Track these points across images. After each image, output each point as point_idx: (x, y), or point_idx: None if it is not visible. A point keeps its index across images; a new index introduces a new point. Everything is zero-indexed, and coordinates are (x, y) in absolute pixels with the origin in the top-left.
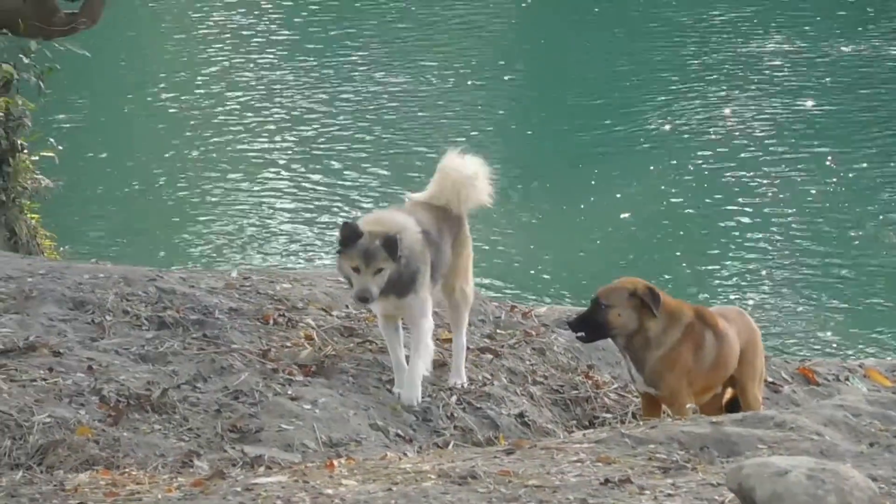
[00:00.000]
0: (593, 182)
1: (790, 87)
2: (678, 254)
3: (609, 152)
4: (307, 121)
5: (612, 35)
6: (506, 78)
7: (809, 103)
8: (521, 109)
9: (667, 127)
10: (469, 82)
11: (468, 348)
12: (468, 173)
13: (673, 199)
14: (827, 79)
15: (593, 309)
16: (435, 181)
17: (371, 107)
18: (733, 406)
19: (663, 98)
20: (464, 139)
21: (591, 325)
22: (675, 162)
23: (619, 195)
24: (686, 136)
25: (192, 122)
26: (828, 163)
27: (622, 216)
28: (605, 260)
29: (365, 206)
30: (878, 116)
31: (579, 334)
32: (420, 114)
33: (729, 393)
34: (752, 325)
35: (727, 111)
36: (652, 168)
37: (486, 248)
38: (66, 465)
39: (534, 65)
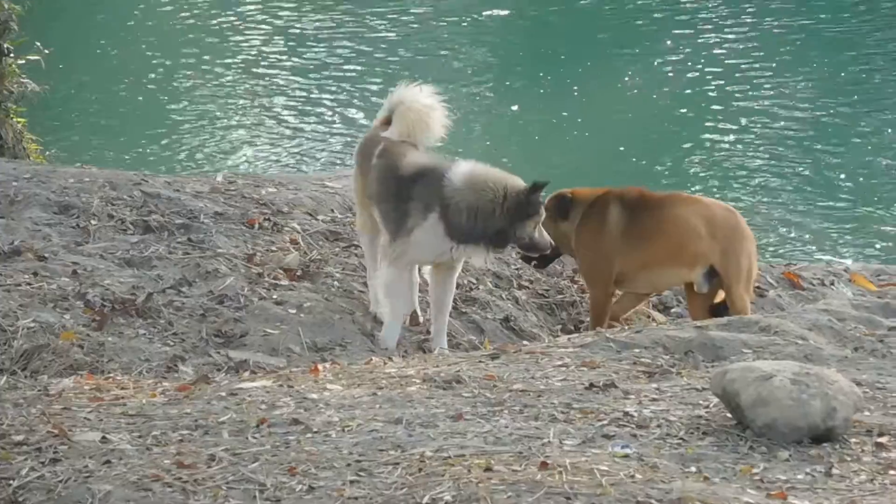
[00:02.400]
0: (580, 86)
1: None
2: (666, 158)
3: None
4: (300, 33)
5: None
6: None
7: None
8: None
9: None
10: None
11: None
12: (428, 104)
13: (662, 103)
14: None
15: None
16: (398, 116)
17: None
18: (720, 311)
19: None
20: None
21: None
22: (670, 67)
23: (607, 102)
24: (682, 38)
25: (184, 28)
26: (816, 66)
27: (610, 120)
28: (593, 164)
29: (350, 114)
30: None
31: (533, 263)
32: (418, 43)
33: (719, 297)
34: (737, 224)
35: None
36: (642, 74)
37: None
38: (50, 370)
39: None
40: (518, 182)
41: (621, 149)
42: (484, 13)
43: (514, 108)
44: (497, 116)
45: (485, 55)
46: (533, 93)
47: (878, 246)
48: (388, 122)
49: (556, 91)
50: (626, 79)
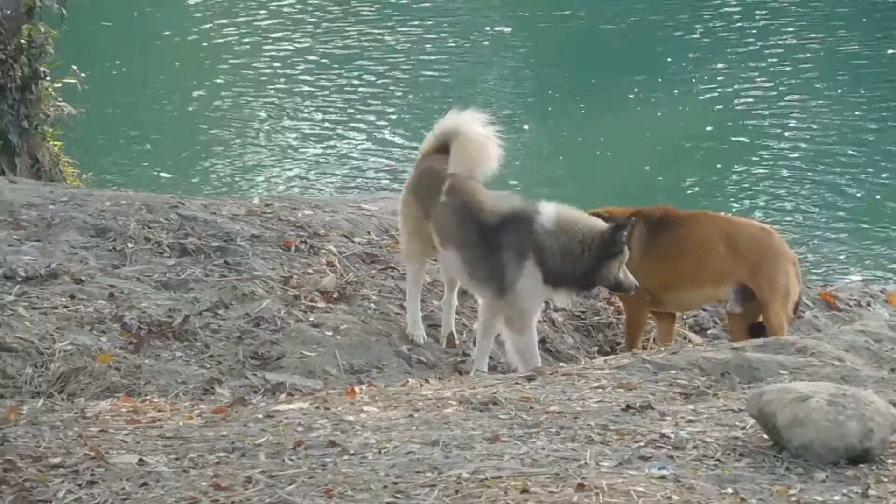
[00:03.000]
0: (614, 106)
1: (818, 19)
2: (712, 177)
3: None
4: (336, 57)
5: None
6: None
7: (843, 40)
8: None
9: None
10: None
11: None
12: (486, 135)
13: (703, 123)
14: (863, 18)
15: None
16: (458, 148)
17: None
18: (759, 330)
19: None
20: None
21: None
22: (707, 85)
23: (643, 118)
24: (720, 61)
25: (216, 49)
26: (850, 83)
27: (646, 138)
28: (634, 182)
29: (384, 136)
30: None
31: None
32: (442, 64)
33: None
34: (770, 243)
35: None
36: (679, 91)
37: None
38: (87, 393)
39: None
40: (600, 222)
41: (647, 168)
42: (494, 28)
43: (525, 127)
44: (507, 137)
45: (493, 73)
46: (542, 111)
47: None
48: (440, 150)
49: (565, 109)
50: (634, 96)
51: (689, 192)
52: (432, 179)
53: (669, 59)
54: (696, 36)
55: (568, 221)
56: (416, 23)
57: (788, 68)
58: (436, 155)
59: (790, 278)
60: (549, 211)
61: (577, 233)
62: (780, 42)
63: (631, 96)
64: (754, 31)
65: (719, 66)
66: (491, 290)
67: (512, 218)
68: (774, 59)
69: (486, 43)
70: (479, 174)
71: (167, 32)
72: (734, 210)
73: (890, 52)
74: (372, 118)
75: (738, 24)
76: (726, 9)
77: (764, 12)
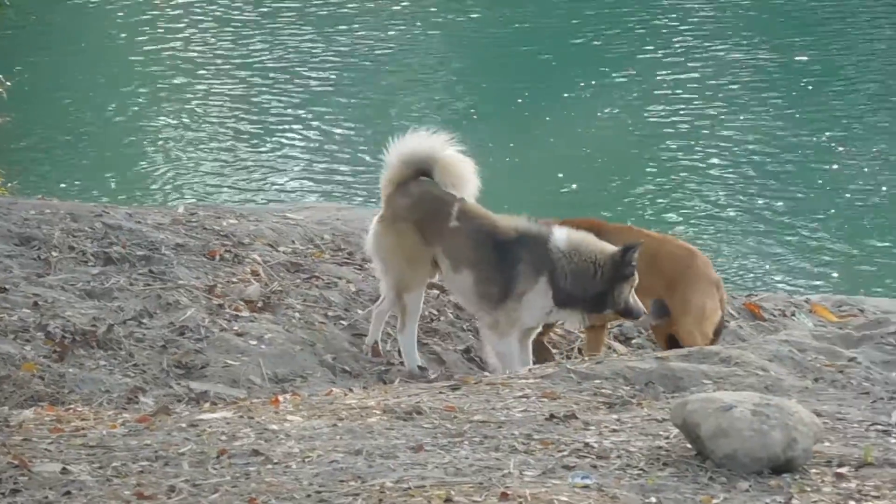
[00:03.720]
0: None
1: (751, 33)
2: (632, 187)
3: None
4: (257, 63)
5: None
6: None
7: (746, 53)
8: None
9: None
10: None
11: None
12: (463, 157)
13: (624, 137)
14: (777, 22)
15: None
16: (443, 173)
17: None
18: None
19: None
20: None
21: None
22: (629, 100)
23: (567, 133)
24: (640, 78)
25: (144, 60)
26: (779, 96)
27: (576, 151)
28: (556, 194)
29: (308, 146)
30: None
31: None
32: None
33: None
34: (695, 264)
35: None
36: (605, 110)
37: None
38: (10, 402)
39: None
40: (609, 245)
41: (566, 179)
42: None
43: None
44: None
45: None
46: (478, 121)
47: (838, 277)
48: (414, 176)
49: (504, 118)
50: (577, 105)
51: (607, 201)
52: (436, 205)
53: (573, 69)
54: (600, 43)
55: (580, 243)
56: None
57: (710, 79)
58: (417, 182)
59: (707, 300)
60: (561, 233)
61: (590, 254)
62: (702, 48)
63: (544, 105)
64: (664, 36)
65: (630, 71)
66: (496, 301)
67: (527, 237)
68: (705, 69)
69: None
70: (468, 195)
71: (91, 40)
72: (654, 220)
73: (803, 58)
74: (297, 128)
75: (642, 31)
76: (640, 15)
77: (673, 16)
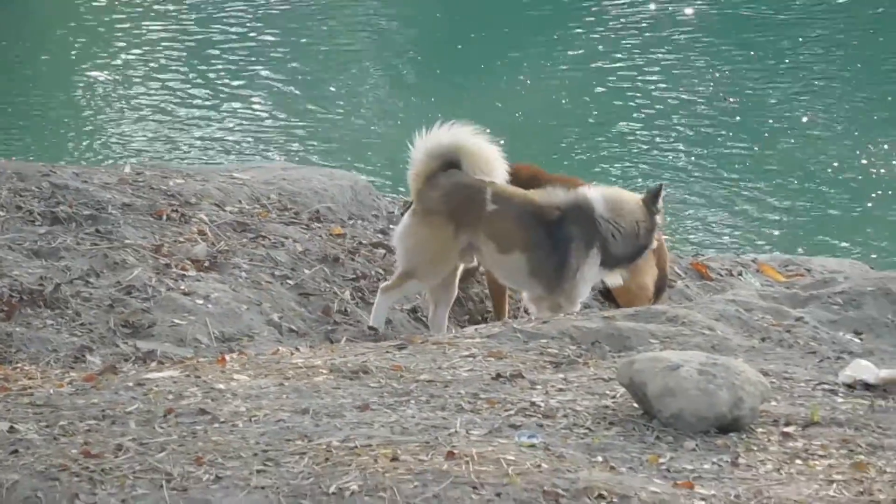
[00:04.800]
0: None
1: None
2: (581, 143)
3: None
4: (206, 19)
5: None
6: None
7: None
8: None
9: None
10: None
11: (361, 243)
12: (488, 144)
13: (571, 94)
14: None
15: None
16: (473, 164)
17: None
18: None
19: None
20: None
21: None
22: (576, 61)
23: (512, 85)
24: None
25: (91, 14)
26: (730, 57)
27: (523, 108)
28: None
29: (256, 105)
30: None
31: None
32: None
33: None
34: None
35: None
36: (551, 69)
37: (381, 140)
38: None
39: None
40: (635, 196)
41: (516, 134)
42: None
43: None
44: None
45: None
46: (438, 75)
47: (786, 236)
48: (443, 168)
49: (464, 71)
50: (524, 63)
51: (556, 158)
52: (468, 192)
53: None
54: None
55: (618, 204)
56: None
57: (671, 41)
58: (446, 173)
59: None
60: (597, 197)
61: (631, 213)
62: (670, 12)
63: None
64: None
65: (578, 30)
66: (552, 283)
67: (572, 210)
68: (657, 28)
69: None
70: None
71: None
72: (599, 178)
73: (777, 23)
74: (244, 87)
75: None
76: None
77: None
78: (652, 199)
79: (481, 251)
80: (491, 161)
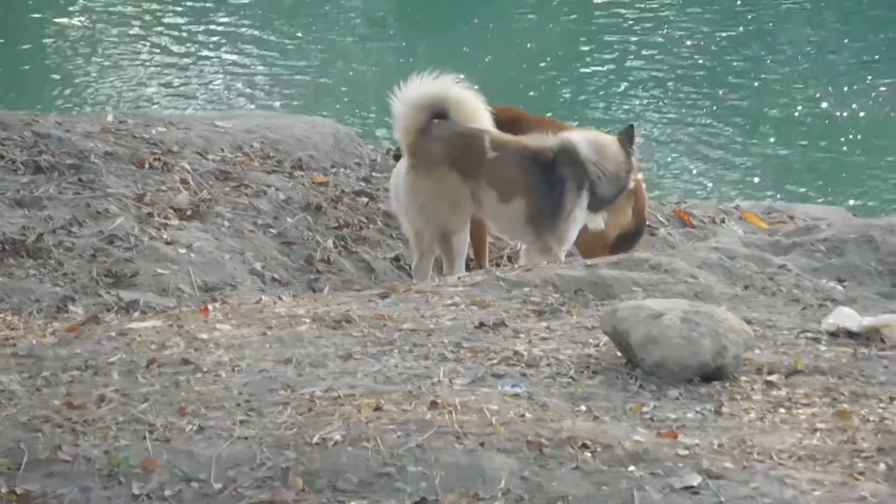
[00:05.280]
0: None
1: None
2: (564, 92)
3: None
4: None
5: None
6: None
7: None
8: None
9: None
10: None
11: (343, 191)
12: (472, 94)
13: (557, 44)
14: None
15: None
16: (462, 113)
17: None
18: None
19: None
20: None
21: None
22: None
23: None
24: None
25: None
26: (714, 7)
27: (506, 54)
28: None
29: (238, 53)
30: None
31: None
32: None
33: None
34: None
35: None
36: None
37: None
38: None
39: None
40: (613, 138)
41: (497, 81)
42: None
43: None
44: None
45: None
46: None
47: (769, 183)
48: (433, 117)
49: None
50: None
51: (534, 103)
52: (466, 141)
53: None
54: None
55: (601, 147)
56: None
57: None
58: (437, 124)
59: None
60: (582, 140)
61: (613, 156)
62: None
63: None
64: None
65: None
66: (546, 227)
67: (562, 153)
68: None
69: None
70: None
71: None
72: (582, 124)
73: None
74: (226, 35)
75: None
76: None
77: None
78: (628, 139)
79: (481, 200)
80: (477, 109)
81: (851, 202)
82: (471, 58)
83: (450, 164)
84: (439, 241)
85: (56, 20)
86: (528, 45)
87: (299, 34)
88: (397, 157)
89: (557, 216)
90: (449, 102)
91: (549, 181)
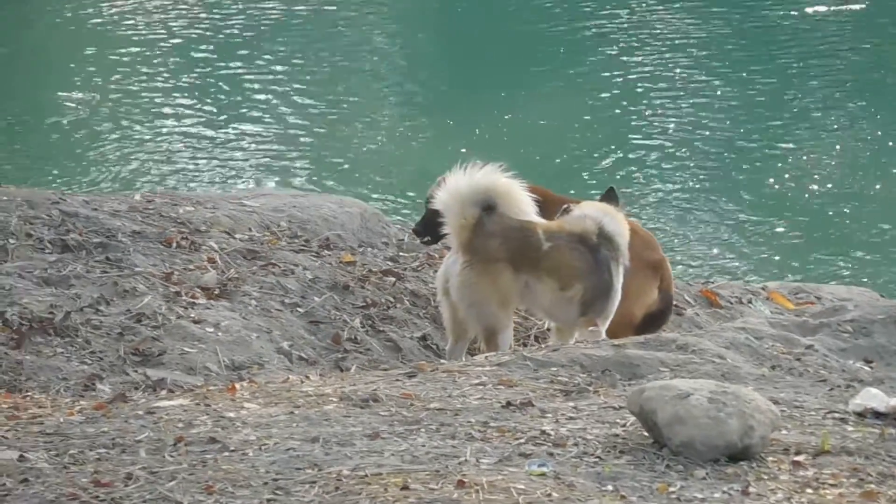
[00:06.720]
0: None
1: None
2: (583, 167)
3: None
4: (214, 46)
5: None
6: None
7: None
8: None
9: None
10: None
11: (371, 270)
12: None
13: (582, 117)
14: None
15: (429, 211)
16: (510, 205)
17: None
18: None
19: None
20: None
21: (430, 227)
22: (589, 82)
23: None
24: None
25: (100, 43)
26: (738, 82)
27: (532, 130)
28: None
29: (273, 130)
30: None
31: (424, 239)
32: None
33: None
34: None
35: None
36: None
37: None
38: None
39: None
40: (606, 205)
41: (521, 154)
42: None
43: (449, 121)
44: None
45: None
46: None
47: (795, 264)
48: (484, 209)
49: (474, 99)
50: (536, 84)
51: (558, 178)
52: (523, 235)
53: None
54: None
55: (614, 217)
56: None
57: (678, 68)
58: (491, 219)
59: (641, 280)
60: (600, 216)
61: (623, 223)
62: (673, 39)
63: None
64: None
65: (593, 58)
66: (596, 308)
67: (600, 234)
68: (661, 55)
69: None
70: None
71: (47, 19)
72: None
73: (783, 49)
74: (253, 115)
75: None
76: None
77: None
78: (615, 203)
79: (535, 291)
80: (523, 199)
81: (879, 281)
82: (500, 133)
83: (507, 260)
84: (485, 338)
85: (67, 95)
86: (561, 119)
87: (322, 108)
88: (417, 233)
89: (607, 295)
90: (498, 195)
91: (597, 262)
